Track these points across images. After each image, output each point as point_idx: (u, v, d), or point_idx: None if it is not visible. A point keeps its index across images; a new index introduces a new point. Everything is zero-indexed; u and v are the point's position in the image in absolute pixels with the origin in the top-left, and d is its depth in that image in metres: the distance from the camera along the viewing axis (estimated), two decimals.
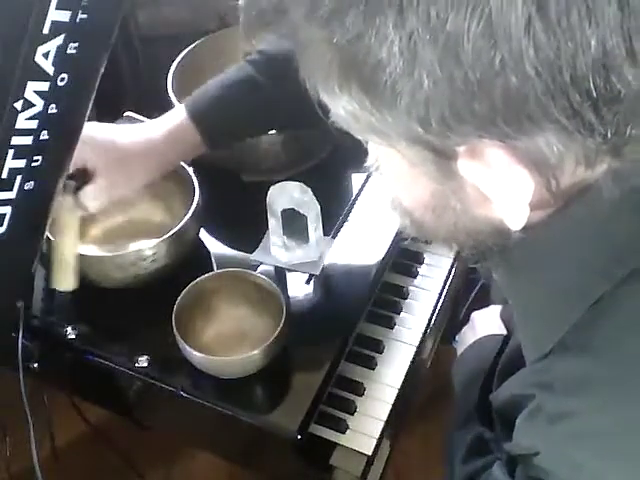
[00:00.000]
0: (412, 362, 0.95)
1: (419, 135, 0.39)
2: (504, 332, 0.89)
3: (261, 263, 0.95)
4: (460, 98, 0.36)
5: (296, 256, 0.94)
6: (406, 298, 1.02)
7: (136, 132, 0.89)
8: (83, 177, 0.85)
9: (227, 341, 0.88)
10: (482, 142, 0.39)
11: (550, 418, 0.50)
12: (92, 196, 0.85)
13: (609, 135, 0.37)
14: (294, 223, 0.92)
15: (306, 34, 0.40)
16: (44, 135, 0.70)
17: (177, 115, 0.90)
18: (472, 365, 0.86)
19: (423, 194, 0.49)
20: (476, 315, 0.95)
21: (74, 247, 0.85)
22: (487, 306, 1.52)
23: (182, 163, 0.98)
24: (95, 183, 0.85)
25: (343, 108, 0.42)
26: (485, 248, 0.51)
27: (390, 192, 0.56)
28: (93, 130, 0.86)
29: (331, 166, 1.07)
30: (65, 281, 0.85)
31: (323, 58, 0.39)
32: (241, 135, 0.97)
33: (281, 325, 0.82)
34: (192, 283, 0.87)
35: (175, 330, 0.82)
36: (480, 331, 0.90)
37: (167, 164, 0.91)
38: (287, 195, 0.91)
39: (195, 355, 0.81)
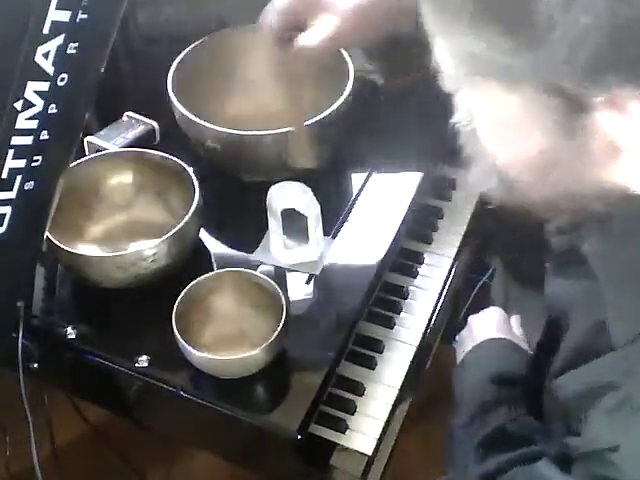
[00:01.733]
0: (412, 362, 0.95)
1: (558, 81, 0.37)
2: (504, 335, 0.89)
3: (261, 263, 0.95)
4: (616, 39, 0.34)
5: (296, 256, 0.94)
6: (406, 298, 1.02)
7: None
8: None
9: (227, 341, 0.88)
10: (624, 93, 0.37)
11: None
12: (317, 34, 0.80)
13: None
14: (294, 223, 0.92)
15: None
16: (44, 135, 0.71)
17: None
18: (474, 370, 0.85)
19: (529, 151, 0.46)
20: (473, 319, 0.94)
21: (303, 99, 0.86)
22: (487, 306, 1.52)
23: (182, 163, 0.98)
24: (323, 22, 0.80)
25: (462, 49, 0.40)
26: (585, 215, 0.48)
27: (482, 148, 0.51)
28: None
29: (331, 166, 1.07)
30: (303, 149, 0.86)
31: None
32: None
33: (281, 325, 0.82)
34: (192, 283, 0.87)
35: (175, 330, 0.82)
36: (478, 335, 0.90)
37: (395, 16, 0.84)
38: (287, 195, 0.91)
39: (195, 355, 0.81)
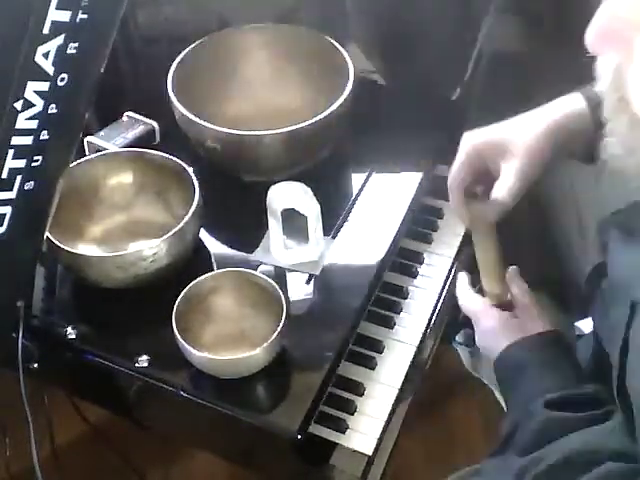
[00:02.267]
0: (412, 362, 0.95)
1: None
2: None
3: (261, 263, 0.95)
4: None
5: (296, 256, 0.94)
6: (406, 298, 1.02)
7: (524, 124, 0.83)
8: (485, 180, 0.82)
9: (227, 341, 0.88)
10: None
11: None
12: (505, 186, 0.80)
13: None
14: (294, 223, 0.92)
15: None
16: (44, 135, 0.71)
17: (578, 102, 0.83)
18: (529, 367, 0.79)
19: None
20: (477, 341, 0.89)
21: (496, 253, 0.84)
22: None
23: (182, 163, 0.98)
24: (504, 174, 0.80)
25: None
26: None
27: (636, 120, 0.51)
28: (481, 137, 0.83)
29: (331, 166, 1.07)
30: (492, 283, 0.84)
31: None
32: None
33: (281, 325, 0.82)
34: (192, 283, 0.87)
35: (175, 330, 0.82)
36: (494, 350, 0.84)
37: (567, 143, 0.84)
38: (287, 195, 0.91)
39: (195, 355, 0.81)
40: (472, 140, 0.83)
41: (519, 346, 0.80)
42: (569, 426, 0.68)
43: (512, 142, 0.82)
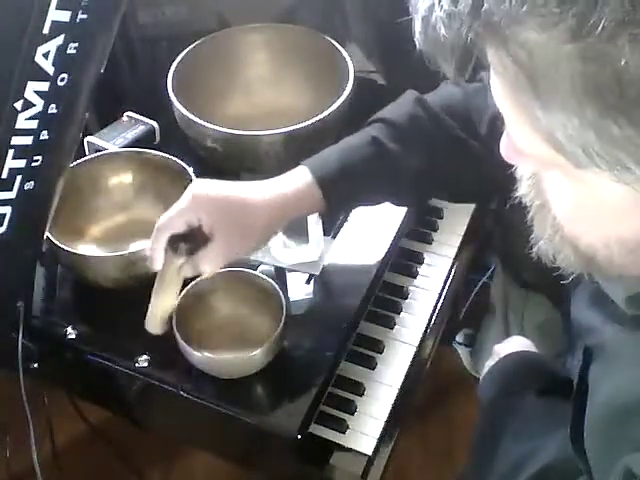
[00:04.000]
0: (412, 362, 0.95)
1: None
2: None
3: (261, 263, 0.95)
4: None
5: (296, 256, 0.94)
6: (406, 298, 1.02)
7: (250, 191, 0.80)
8: (194, 237, 0.78)
9: (227, 341, 0.88)
10: None
11: None
12: (208, 260, 0.77)
13: None
14: (294, 223, 0.92)
15: (544, 50, 0.36)
16: (44, 135, 0.71)
17: (301, 178, 0.81)
18: (503, 379, 0.80)
19: (632, 232, 0.44)
20: (499, 347, 0.88)
21: (173, 302, 0.82)
22: (487, 306, 1.52)
23: (182, 163, 0.98)
24: (212, 247, 0.77)
25: (559, 128, 0.38)
26: None
27: (559, 227, 0.49)
28: (205, 188, 0.78)
29: None
30: (158, 327, 0.82)
31: (561, 75, 0.36)
32: (363, 204, 0.89)
33: (281, 325, 0.82)
34: (192, 283, 0.86)
35: (175, 330, 0.82)
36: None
37: (283, 223, 0.83)
38: None
39: (195, 355, 0.81)
40: (199, 190, 0.77)
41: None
42: None
43: (235, 212, 0.78)
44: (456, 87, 0.83)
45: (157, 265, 0.78)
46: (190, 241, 0.77)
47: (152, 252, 0.78)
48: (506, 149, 0.47)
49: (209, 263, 0.77)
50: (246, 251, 0.80)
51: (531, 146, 0.42)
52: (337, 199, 0.81)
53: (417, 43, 0.42)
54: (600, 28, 0.34)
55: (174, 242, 0.77)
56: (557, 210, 0.48)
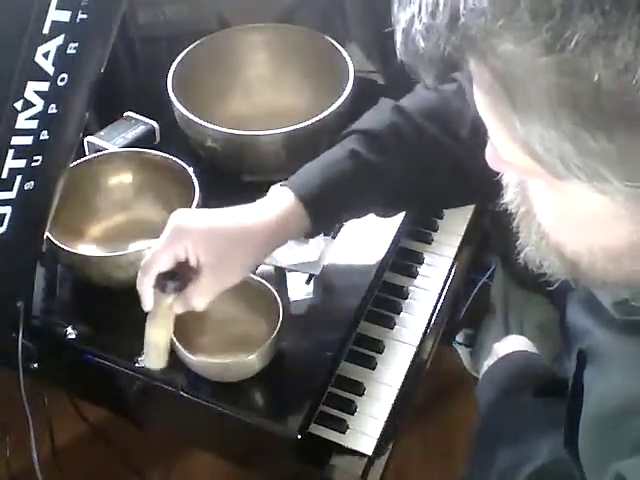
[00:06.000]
0: (412, 362, 0.95)
1: None
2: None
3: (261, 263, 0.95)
4: None
5: (296, 256, 0.94)
6: (406, 298, 1.02)
7: (234, 218, 0.78)
8: (182, 274, 0.75)
9: (225, 344, 0.87)
10: None
11: None
12: (198, 295, 0.75)
13: None
14: None
15: (521, 61, 0.36)
16: (44, 135, 0.71)
17: (284, 200, 0.78)
18: (502, 379, 0.81)
19: (614, 240, 0.44)
20: (498, 346, 0.89)
21: (168, 336, 0.79)
22: (487, 306, 1.52)
23: (182, 163, 0.98)
24: (200, 281, 0.74)
25: (537, 139, 0.38)
26: None
27: (544, 234, 0.50)
28: (186, 218, 0.75)
29: None
30: (156, 361, 0.80)
31: (537, 87, 0.36)
32: (348, 219, 0.88)
33: (277, 329, 0.82)
34: None
35: (172, 335, 0.81)
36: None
37: (272, 249, 0.81)
38: None
39: (190, 359, 0.81)
40: (181, 220, 0.75)
41: None
42: None
43: (220, 244, 0.75)
44: (431, 90, 0.82)
45: (148, 306, 0.76)
46: (178, 278, 0.75)
47: (140, 293, 0.76)
48: (491, 157, 0.47)
49: (199, 298, 0.75)
50: (236, 281, 0.77)
51: (513, 156, 0.42)
52: (323, 216, 0.79)
53: (398, 53, 0.42)
54: (574, 43, 0.34)
55: (161, 280, 0.75)
56: (542, 218, 0.49)
